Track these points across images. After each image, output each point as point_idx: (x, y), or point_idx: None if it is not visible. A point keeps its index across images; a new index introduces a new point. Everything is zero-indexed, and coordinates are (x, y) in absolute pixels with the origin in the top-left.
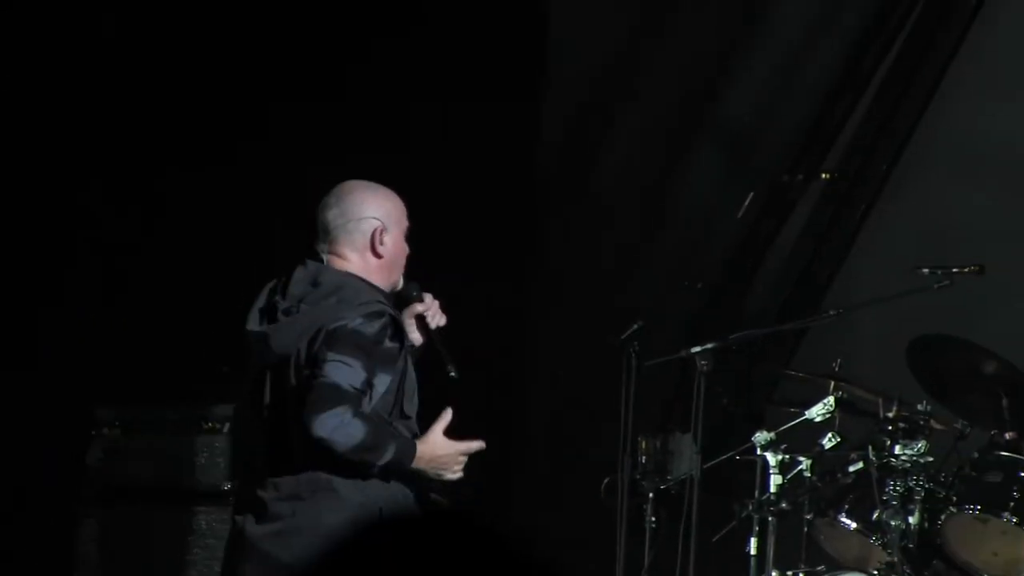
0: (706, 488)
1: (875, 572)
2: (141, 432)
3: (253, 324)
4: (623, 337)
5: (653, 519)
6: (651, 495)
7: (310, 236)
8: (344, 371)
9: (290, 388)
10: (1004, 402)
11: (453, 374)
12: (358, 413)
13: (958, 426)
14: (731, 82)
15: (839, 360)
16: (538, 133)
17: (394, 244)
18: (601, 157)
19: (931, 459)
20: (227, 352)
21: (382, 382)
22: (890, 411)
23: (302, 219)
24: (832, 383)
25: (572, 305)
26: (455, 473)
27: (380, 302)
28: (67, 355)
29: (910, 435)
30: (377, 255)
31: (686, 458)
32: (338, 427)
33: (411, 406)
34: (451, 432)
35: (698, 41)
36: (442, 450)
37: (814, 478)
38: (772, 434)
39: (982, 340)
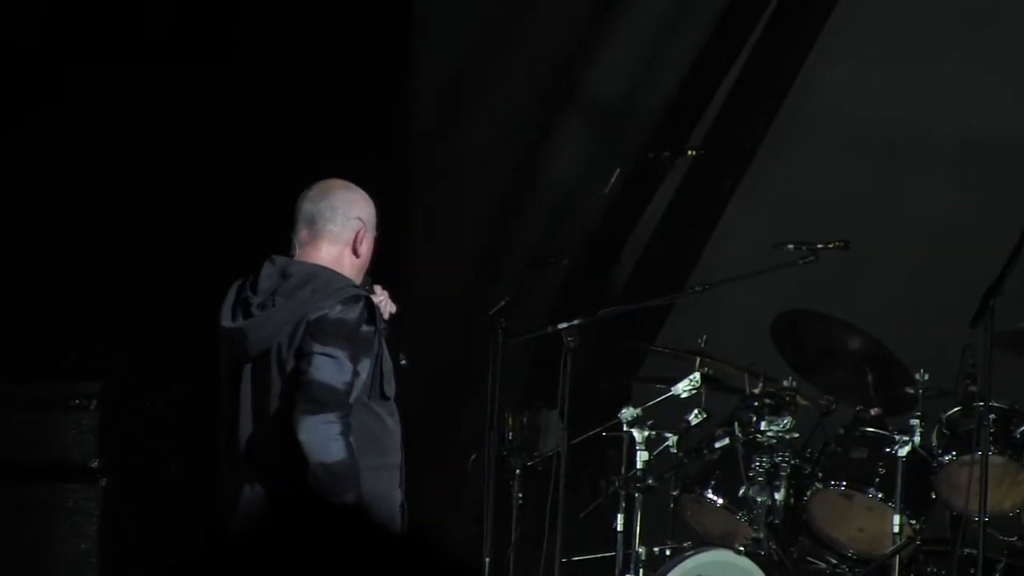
0: (573, 464)
1: (741, 548)
2: (7, 408)
3: (227, 321)
4: (490, 313)
5: (520, 495)
6: (518, 471)
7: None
8: (332, 367)
9: (273, 382)
10: (869, 378)
11: (403, 362)
12: (345, 434)
13: (823, 402)
14: (598, 57)
15: (705, 336)
16: (407, 109)
17: (368, 248)
18: (469, 133)
19: (797, 435)
20: (95, 328)
21: (365, 367)
22: (756, 387)
23: (150, 193)
24: (698, 359)
25: (440, 280)
26: None
27: (354, 286)
28: None
29: (776, 411)
30: (356, 254)
31: (553, 434)
32: (323, 437)
33: (390, 387)
34: None
35: (565, 16)
36: None
37: (680, 454)
38: (638, 410)
39: (847, 316)
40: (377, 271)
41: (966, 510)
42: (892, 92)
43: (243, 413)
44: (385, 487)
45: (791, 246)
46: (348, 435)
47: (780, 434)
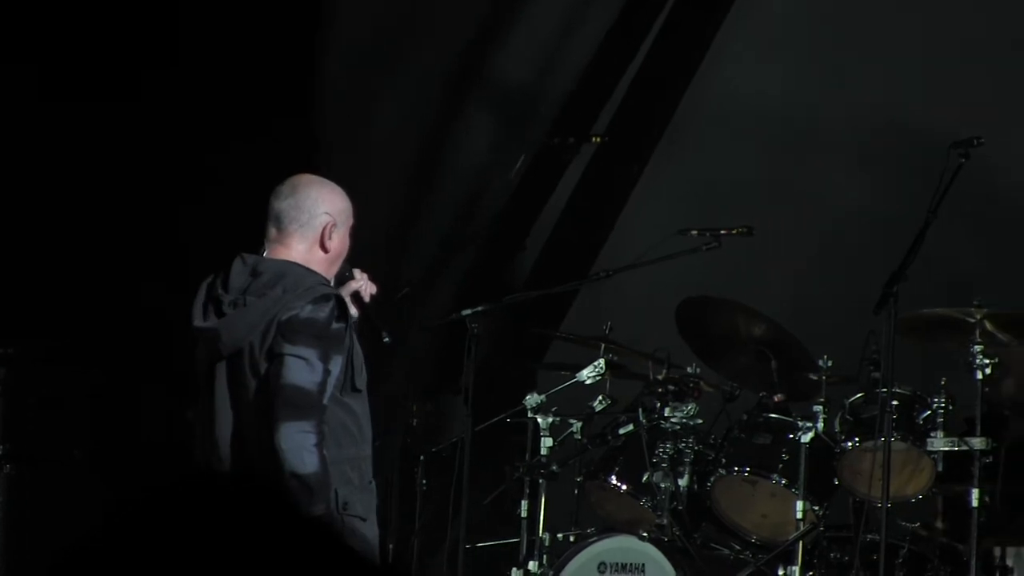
0: (477, 451)
1: (645, 534)
2: None
3: (199, 320)
4: (395, 300)
5: (424, 482)
6: (422, 458)
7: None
8: (304, 370)
9: (247, 382)
10: (772, 364)
11: (387, 339)
12: (319, 444)
13: (727, 388)
14: (504, 43)
15: (609, 323)
16: (314, 94)
17: (340, 240)
18: (376, 118)
19: (700, 421)
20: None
21: (337, 364)
22: (660, 374)
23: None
24: (602, 345)
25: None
26: None
27: (324, 284)
28: None
29: (679, 397)
30: (324, 249)
31: (457, 421)
32: (297, 446)
33: (361, 380)
34: None
35: (472, 1)
36: None
37: (584, 440)
38: (543, 397)
39: (751, 302)
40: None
41: (869, 496)
42: (796, 81)
43: (219, 412)
44: (361, 477)
45: (695, 232)
46: (322, 445)
47: (684, 420)
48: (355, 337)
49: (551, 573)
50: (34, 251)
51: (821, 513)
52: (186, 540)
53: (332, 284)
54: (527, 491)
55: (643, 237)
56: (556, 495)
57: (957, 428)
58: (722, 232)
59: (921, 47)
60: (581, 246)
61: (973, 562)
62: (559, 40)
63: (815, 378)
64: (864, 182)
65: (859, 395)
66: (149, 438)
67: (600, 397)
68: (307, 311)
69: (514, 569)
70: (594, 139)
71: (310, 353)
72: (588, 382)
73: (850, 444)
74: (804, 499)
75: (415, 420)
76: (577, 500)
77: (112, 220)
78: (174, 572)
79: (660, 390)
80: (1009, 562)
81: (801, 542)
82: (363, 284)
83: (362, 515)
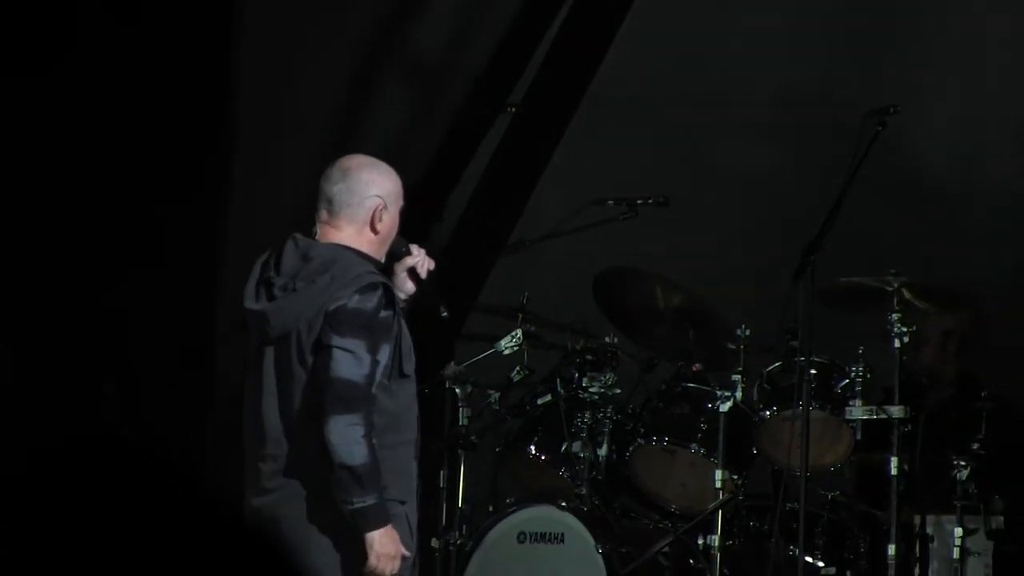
0: None
1: (564, 504)
2: None
3: (250, 302)
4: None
5: None
6: None
7: None
8: (351, 363)
9: (294, 368)
10: (690, 334)
11: (445, 314)
12: (368, 435)
13: (645, 358)
14: (420, 14)
15: (527, 293)
16: (228, 68)
17: (390, 221)
18: (293, 93)
19: (619, 391)
20: None
21: (385, 353)
22: (578, 344)
23: None
24: (520, 316)
25: (263, 239)
26: (381, 571)
27: (372, 272)
28: None
29: (597, 368)
30: (375, 231)
31: None
32: (347, 440)
33: (409, 365)
34: None
35: None
36: (396, 547)
37: (503, 411)
38: (461, 367)
39: (669, 272)
40: (190, 226)
41: (788, 465)
42: (712, 50)
43: (265, 395)
44: (404, 462)
45: (611, 202)
46: (371, 436)
47: (602, 390)
48: (403, 322)
49: (470, 544)
50: None
51: (740, 482)
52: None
53: (384, 260)
54: (446, 462)
55: (560, 208)
56: (475, 466)
57: (875, 397)
58: (638, 202)
59: (841, 19)
60: (498, 216)
61: (893, 530)
62: (475, 12)
63: (733, 348)
64: (783, 151)
65: (777, 364)
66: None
67: (518, 368)
68: (355, 301)
69: (433, 539)
70: (510, 109)
71: (357, 345)
72: (506, 352)
73: (768, 413)
74: (723, 468)
75: None
76: (496, 470)
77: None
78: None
79: (578, 360)
80: (929, 530)
81: (720, 511)
82: (420, 259)
83: (399, 499)
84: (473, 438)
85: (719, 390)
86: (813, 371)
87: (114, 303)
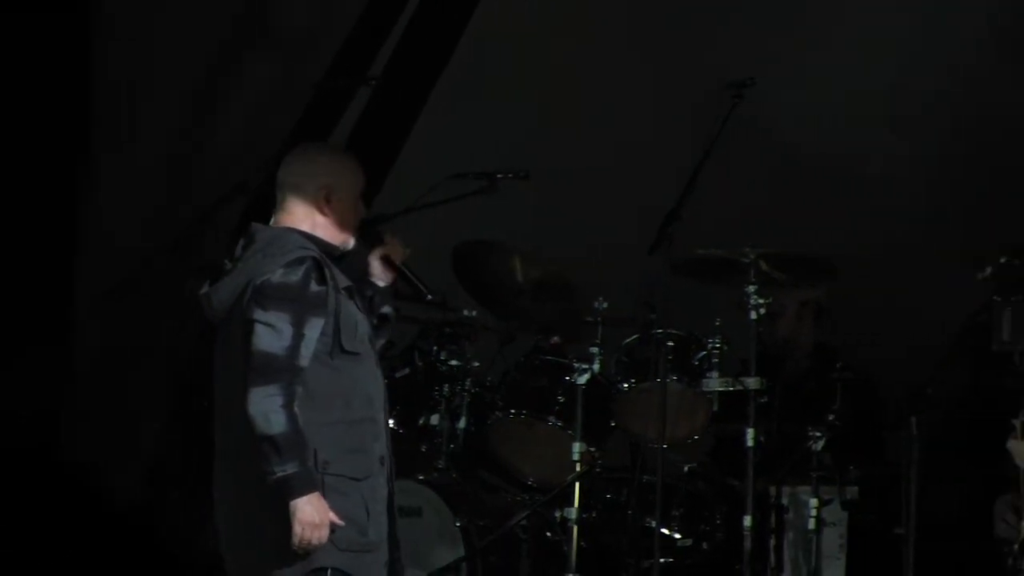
0: None
1: (422, 477)
2: None
3: (204, 287)
4: (173, 248)
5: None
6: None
7: None
8: (270, 335)
9: (232, 348)
10: (549, 307)
11: (429, 297)
12: (288, 404)
13: (503, 330)
14: None
15: None
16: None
17: (343, 206)
18: (155, 59)
19: (477, 364)
20: None
21: (314, 327)
22: (437, 316)
23: None
24: None
25: (125, 212)
26: (307, 540)
27: (304, 248)
28: None
29: (456, 340)
30: (323, 214)
31: None
32: (265, 410)
33: (353, 343)
34: None
35: None
36: (322, 515)
37: None
38: None
39: (527, 246)
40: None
41: (644, 437)
42: (575, 19)
43: (216, 377)
44: (357, 440)
45: (471, 176)
46: (292, 405)
47: (461, 363)
48: (347, 300)
49: None
50: None
51: (597, 454)
52: None
53: (355, 246)
54: None
55: (420, 181)
56: None
57: (732, 368)
58: (498, 176)
59: None
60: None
61: (749, 501)
62: None
63: (591, 320)
64: (641, 122)
65: (634, 336)
66: None
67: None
68: (278, 275)
69: None
70: (370, 82)
71: (279, 318)
72: None
73: (626, 385)
74: (581, 441)
75: (192, 366)
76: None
77: None
78: None
79: (436, 333)
80: (784, 501)
81: (578, 483)
82: (392, 247)
83: (352, 475)
84: None
85: (577, 363)
86: (670, 343)
87: None
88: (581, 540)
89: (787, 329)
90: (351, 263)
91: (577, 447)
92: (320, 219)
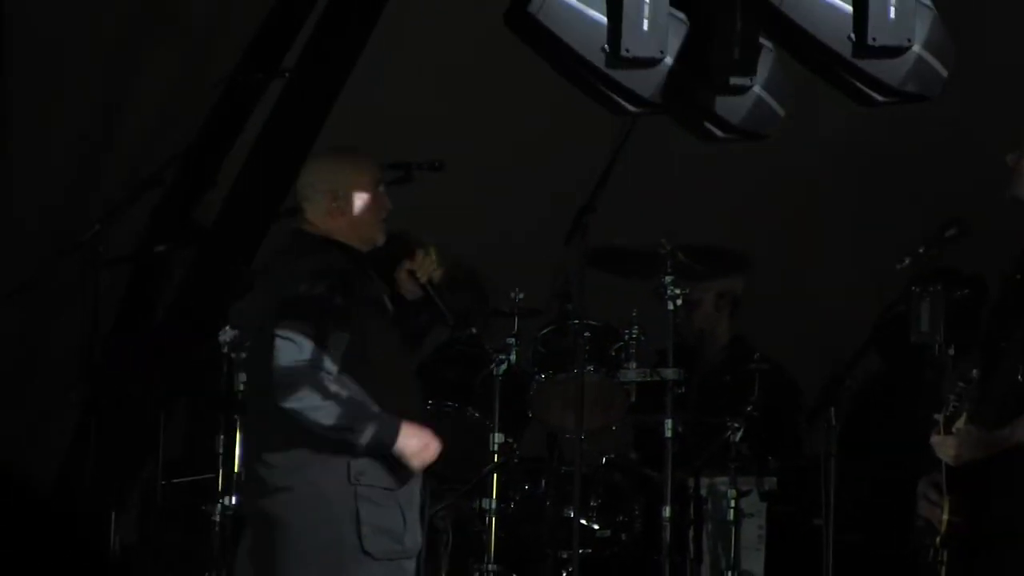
0: (171, 388)
1: None
2: None
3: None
4: (85, 238)
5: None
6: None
7: None
8: (289, 349)
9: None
10: (464, 297)
11: (451, 323)
12: (326, 394)
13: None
14: None
15: None
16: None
17: (354, 207)
18: (61, 53)
19: None
20: None
21: (339, 340)
22: None
23: None
24: None
25: (31, 203)
26: (425, 462)
27: (326, 261)
28: None
29: None
30: (336, 218)
31: (150, 358)
32: (311, 415)
33: (377, 352)
34: None
35: None
36: (419, 439)
37: None
38: (237, 332)
39: (442, 236)
40: None
41: (562, 428)
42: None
43: (249, 389)
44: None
45: (385, 167)
46: (329, 391)
47: None
48: (374, 310)
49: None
50: None
51: (515, 445)
52: None
53: (380, 246)
54: (222, 427)
55: None
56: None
57: (649, 359)
58: (412, 166)
59: None
60: (272, 182)
61: (667, 492)
62: None
63: (507, 311)
64: (555, 112)
65: (551, 327)
66: None
67: None
68: (300, 289)
69: (210, 504)
70: (284, 74)
71: (296, 334)
72: None
73: (543, 376)
74: (498, 431)
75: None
76: None
77: None
78: None
79: None
80: (703, 492)
81: (495, 474)
82: (420, 264)
83: (387, 486)
84: None
85: (494, 353)
86: (587, 334)
87: None
88: (500, 531)
89: (704, 320)
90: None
91: (494, 438)
92: (335, 224)
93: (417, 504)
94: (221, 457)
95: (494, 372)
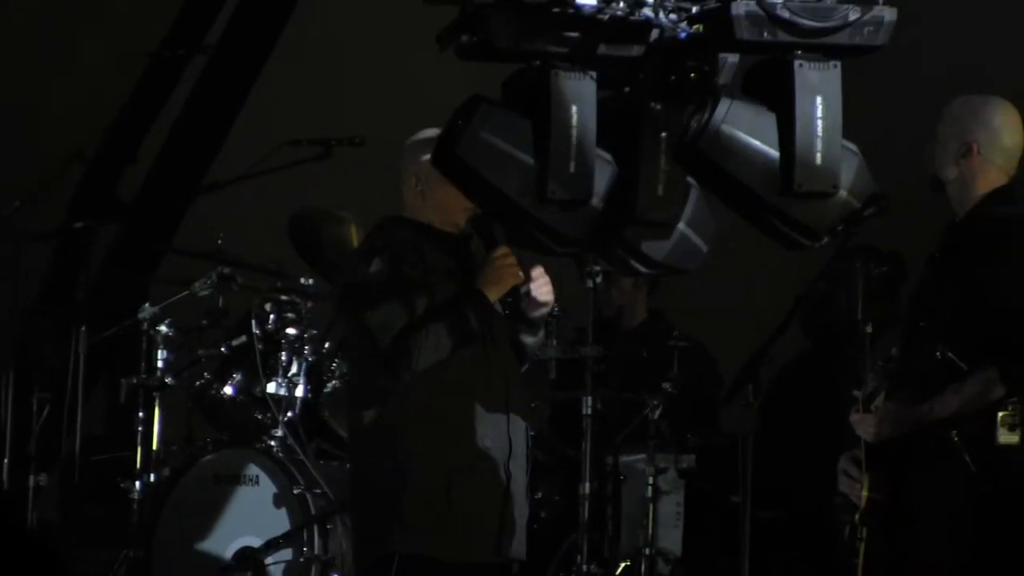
0: (92, 364)
1: (260, 446)
2: None
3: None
4: (7, 214)
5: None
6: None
7: None
8: (348, 349)
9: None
10: None
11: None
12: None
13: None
14: None
15: (222, 235)
16: None
17: (433, 192)
18: None
19: (315, 332)
20: None
21: (384, 316)
22: (274, 284)
23: None
24: (216, 257)
25: None
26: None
27: (381, 239)
28: None
29: (293, 308)
30: (423, 200)
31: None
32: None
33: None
34: None
35: None
36: (499, 269)
37: (200, 352)
38: (157, 309)
39: (364, 213)
40: None
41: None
42: None
43: None
44: (448, 423)
45: (306, 143)
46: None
47: (298, 331)
48: (442, 286)
49: (166, 486)
50: None
51: None
52: None
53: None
54: (141, 404)
55: (255, 149)
56: (171, 407)
57: (568, 336)
58: (332, 142)
59: None
60: (193, 159)
61: (586, 469)
62: None
63: None
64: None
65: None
66: None
67: (214, 308)
68: (349, 276)
69: (130, 482)
70: (206, 51)
71: (348, 327)
72: (202, 294)
73: None
74: None
75: (29, 336)
76: (192, 413)
77: None
78: None
79: (274, 301)
80: (621, 469)
81: None
82: (537, 284)
83: (436, 457)
84: (169, 380)
85: None
86: (506, 312)
87: None
88: None
89: (623, 296)
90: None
91: None
92: (422, 204)
93: (483, 482)
94: (140, 435)
95: None
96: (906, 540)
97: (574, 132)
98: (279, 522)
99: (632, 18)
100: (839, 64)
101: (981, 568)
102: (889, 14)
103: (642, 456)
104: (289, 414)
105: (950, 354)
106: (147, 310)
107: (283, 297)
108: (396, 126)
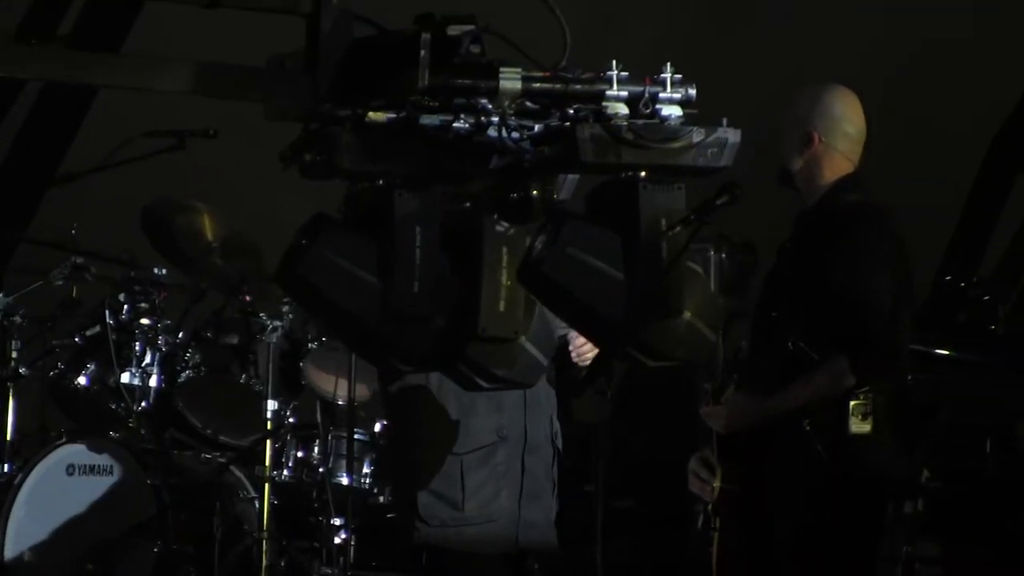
0: None
1: (113, 436)
2: None
3: None
4: None
5: None
6: None
7: None
8: None
9: None
10: (238, 265)
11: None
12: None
13: (194, 288)
14: None
15: (76, 225)
16: None
17: None
18: None
19: (168, 322)
20: None
21: None
22: (127, 274)
23: None
24: (70, 248)
25: None
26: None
27: None
28: None
29: (146, 298)
30: None
31: None
32: None
33: None
34: None
35: None
36: None
37: (53, 343)
38: (11, 299)
39: (217, 204)
40: None
41: (334, 395)
42: None
43: None
44: (464, 412)
45: (159, 134)
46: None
47: (151, 321)
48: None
49: (19, 477)
50: None
51: (288, 412)
52: None
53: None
54: None
55: (109, 139)
56: (25, 398)
57: None
58: (187, 134)
59: None
60: (46, 149)
61: None
62: None
63: None
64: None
65: None
66: None
67: (67, 298)
68: None
69: None
70: (60, 39)
71: None
72: (57, 284)
73: (314, 345)
74: (272, 398)
75: None
76: (45, 403)
77: None
78: None
79: (127, 291)
80: None
81: (269, 441)
82: (577, 345)
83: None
84: (22, 370)
85: (269, 320)
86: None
87: None
88: (273, 498)
89: None
90: None
91: (268, 405)
92: None
93: (498, 472)
94: None
95: (268, 339)
96: (759, 531)
97: (418, 252)
98: (134, 512)
99: (476, 138)
100: (683, 186)
101: (832, 556)
102: (733, 135)
103: None
104: (143, 404)
105: (802, 344)
106: (0, 300)
107: (137, 287)
108: (249, 118)
